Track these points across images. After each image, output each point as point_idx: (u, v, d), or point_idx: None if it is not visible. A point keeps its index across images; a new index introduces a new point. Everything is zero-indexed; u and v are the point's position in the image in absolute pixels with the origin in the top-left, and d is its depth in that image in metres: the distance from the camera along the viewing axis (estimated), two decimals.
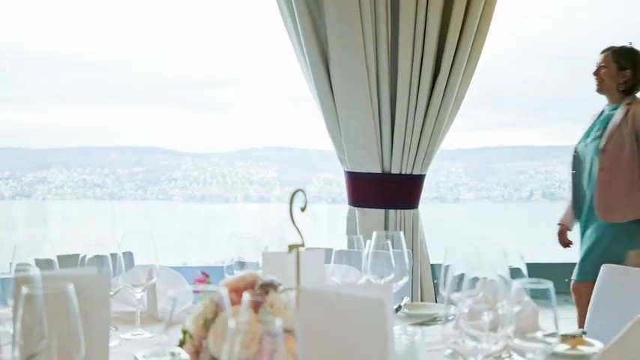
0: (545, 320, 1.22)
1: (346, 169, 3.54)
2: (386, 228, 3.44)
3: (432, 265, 3.61)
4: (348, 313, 1.01)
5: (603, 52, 3.24)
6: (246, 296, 1.07)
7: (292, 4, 3.36)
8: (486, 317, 1.34)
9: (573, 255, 3.40)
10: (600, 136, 3.16)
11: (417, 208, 3.51)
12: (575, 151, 3.29)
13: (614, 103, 3.22)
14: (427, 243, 3.61)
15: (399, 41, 3.39)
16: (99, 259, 1.67)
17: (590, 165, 3.20)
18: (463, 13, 3.40)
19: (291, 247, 1.20)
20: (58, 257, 1.63)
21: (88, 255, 1.67)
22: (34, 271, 1.15)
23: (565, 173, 3.41)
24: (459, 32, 3.41)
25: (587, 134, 3.28)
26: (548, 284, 1.12)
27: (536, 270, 1.59)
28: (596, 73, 3.23)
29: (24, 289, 1.02)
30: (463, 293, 1.40)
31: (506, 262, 1.43)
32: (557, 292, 1.49)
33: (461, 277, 1.32)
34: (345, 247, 1.84)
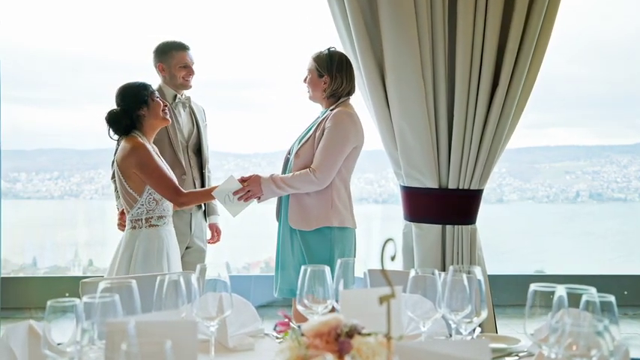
0: None
1: (402, 184, 3.50)
2: (443, 244, 3.39)
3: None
4: None
5: (311, 57, 3.05)
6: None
7: (348, 19, 3.33)
8: None
9: (630, 267, 3.27)
10: (301, 140, 3.04)
11: (474, 223, 3.45)
12: (289, 153, 3.12)
13: (326, 108, 3.05)
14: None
15: (457, 54, 3.33)
16: (174, 284, 1.70)
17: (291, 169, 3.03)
18: (523, 22, 3.31)
19: (382, 299, 1.18)
20: (136, 278, 1.65)
21: (165, 281, 1.70)
22: (128, 320, 1.16)
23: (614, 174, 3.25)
24: (518, 44, 3.32)
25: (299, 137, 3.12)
26: None
27: (591, 283, 1.52)
28: (305, 81, 3.05)
29: (123, 346, 1.03)
30: (552, 337, 1.36)
31: (598, 306, 1.39)
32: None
33: (554, 328, 1.28)
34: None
